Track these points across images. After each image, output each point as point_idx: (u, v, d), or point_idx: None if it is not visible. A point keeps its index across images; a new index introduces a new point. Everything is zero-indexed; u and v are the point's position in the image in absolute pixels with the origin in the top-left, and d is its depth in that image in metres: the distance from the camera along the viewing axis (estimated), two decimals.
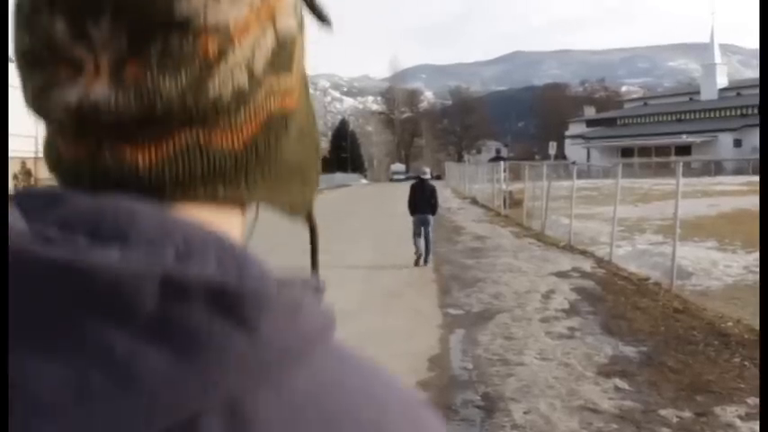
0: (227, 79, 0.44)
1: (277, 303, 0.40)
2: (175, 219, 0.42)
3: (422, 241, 12.91)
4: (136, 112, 0.42)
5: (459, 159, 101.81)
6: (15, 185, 29.14)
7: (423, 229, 12.95)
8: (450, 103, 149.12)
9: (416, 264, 12.82)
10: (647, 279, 10.72)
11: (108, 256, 0.37)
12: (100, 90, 0.42)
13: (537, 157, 77.97)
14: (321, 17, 0.55)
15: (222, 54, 0.43)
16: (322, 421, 0.41)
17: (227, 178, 0.46)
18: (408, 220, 13.70)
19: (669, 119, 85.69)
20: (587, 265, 12.21)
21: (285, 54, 0.48)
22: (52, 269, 0.37)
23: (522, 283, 10.59)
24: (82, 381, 0.35)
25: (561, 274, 11.35)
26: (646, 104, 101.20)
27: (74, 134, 0.45)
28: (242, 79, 0.45)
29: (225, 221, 0.47)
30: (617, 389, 5.72)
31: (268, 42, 0.46)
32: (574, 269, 11.88)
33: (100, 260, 0.37)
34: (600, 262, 12.56)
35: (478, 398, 5.67)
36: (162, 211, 0.42)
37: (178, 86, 0.42)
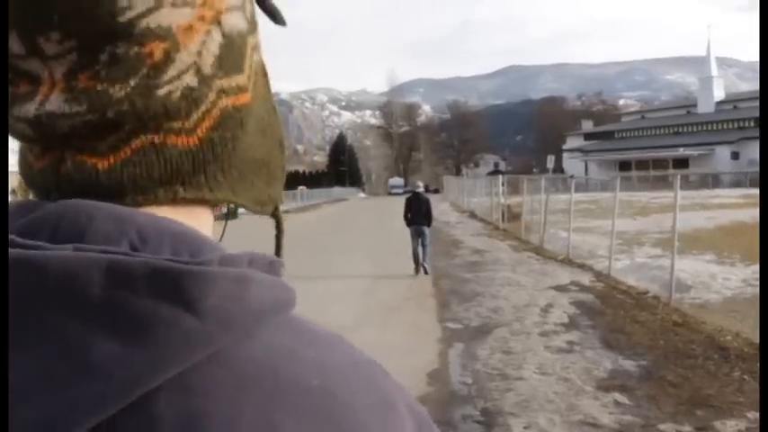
0: (175, 82, 0.46)
1: (223, 280, 0.42)
2: (132, 216, 0.45)
3: (420, 251, 13.49)
4: (90, 120, 0.44)
5: (458, 173, 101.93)
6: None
7: (420, 239, 13.54)
8: (448, 116, 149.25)
9: (416, 272, 13.38)
10: (646, 292, 10.70)
11: (62, 251, 0.40)
12: (54, 101, 0.44)
13: (535, 170, 78.15)
14: (272, 15, 0.57)
15: (168, 58, 0.46)
16: (274, 390, 0.42)
17: (186, 178, 0.48)
18: (406, 234, 14.12)
19: (666, 132, 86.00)
20: (586, 279, 12.20)
21: (234, 53, 0.50)
22: (13, 269, 0.39)
23: (521, 297, 10.58)
24: (48, 370, 0.38)
25: (560, 288, 11.33)
26: (643, 118, 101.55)
27: (38, 146, 0.48)
28: (191, 81, 0.47)
29: (192, 219, 0.49)
30: (616, 403, 5.70)
31: (215, 43, 0.48)
32: (572, 283, 11.87)
33: (52, 255, 0.39)
34: (599, 275, 12.55)
35: (478, 413, 5.65)
36: (119, 211, 0.45)
37: (128, 93, 0.44)
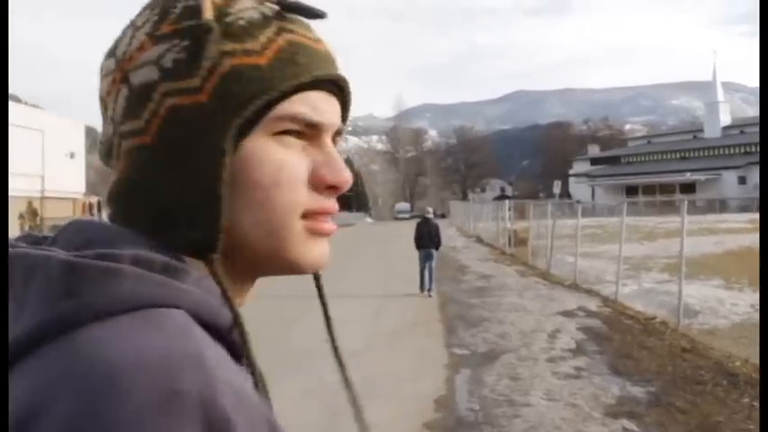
0: (107, 134, 0.64)
1: (90, 269, 0.52)
2: (91, 227, 0.60)
3: (426, 274, 14.16)
4: None
5: (464, 198, 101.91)
6: (21, 225, 29.27)
7: (427, 263, 14.21)
8: (454, 142, 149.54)
9: (421, 290, 14.08)
10: (654, 318, 10.65)
11: (35, 251, 0.55)
12: None
13: (541, 195, 78.07)
14: (305, 13, 0.64)
15: (103, 115, 0.65)
16: (66, 371, 0.47)
17: (119, 203, 0.62)
18: (412, 258, 14.75)
19: (673, 157, 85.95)
20: (593, 304, 12.15)
21: (136, 102, 0.60)
22: (11, 260, 0.55)
23: (528, 323, 10.54)
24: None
25: (567, 314, 11.29)
26: (649, 142, 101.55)
27: None
28: (109, 130, 0.64)
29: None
30: (625, 430, 5.66)
31: (122, 97, 0.61)
32: (580, 308, 11.82)
33: (25, 251, 0.55)
34: (606, 301, 12.50)
35: None
36: (85, 224, 0.60)
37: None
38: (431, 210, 16.08)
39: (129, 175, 0.61)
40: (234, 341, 0.57)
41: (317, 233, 0.64)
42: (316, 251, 0.64)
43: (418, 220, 15.76)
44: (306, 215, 0.63)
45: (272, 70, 0.60)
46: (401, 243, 17.96)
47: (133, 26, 0.63)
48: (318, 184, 0.63)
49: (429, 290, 14.06)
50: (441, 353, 8.80)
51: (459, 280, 16.71)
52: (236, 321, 0.57)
